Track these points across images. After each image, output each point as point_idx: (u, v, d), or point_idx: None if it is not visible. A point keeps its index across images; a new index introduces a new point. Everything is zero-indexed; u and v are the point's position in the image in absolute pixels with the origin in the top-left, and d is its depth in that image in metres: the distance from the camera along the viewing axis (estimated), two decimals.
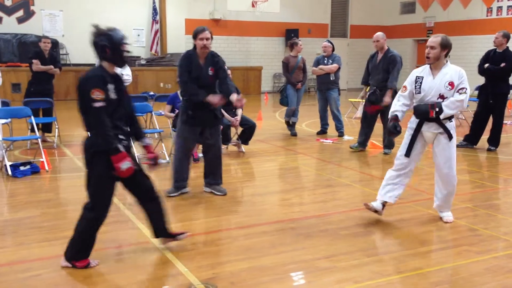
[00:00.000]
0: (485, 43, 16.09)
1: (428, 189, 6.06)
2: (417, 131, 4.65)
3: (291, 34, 19.43)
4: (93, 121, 3.58)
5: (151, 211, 4.03)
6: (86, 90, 3.52)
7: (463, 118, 11.74)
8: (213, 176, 5.75)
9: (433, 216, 5.00)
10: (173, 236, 4.13)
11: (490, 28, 17.29)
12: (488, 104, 8.35)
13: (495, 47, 8.26)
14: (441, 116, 4.50)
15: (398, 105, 4.75)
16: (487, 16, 18.51)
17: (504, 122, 8.78)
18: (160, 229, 4.08)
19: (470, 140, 8.68)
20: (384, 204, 4.84)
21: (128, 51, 3.75)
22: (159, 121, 8.62)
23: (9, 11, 16.53)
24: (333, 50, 9.85)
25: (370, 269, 3.81)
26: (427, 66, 4.67)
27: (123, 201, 5.51)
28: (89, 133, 3.75)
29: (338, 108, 9.80)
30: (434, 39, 4.57)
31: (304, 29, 20.74)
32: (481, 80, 8.62)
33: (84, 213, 3.76)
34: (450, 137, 4.60)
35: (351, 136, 9.43)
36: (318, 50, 20.22)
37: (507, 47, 8.20)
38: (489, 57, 8.28)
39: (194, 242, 4.28)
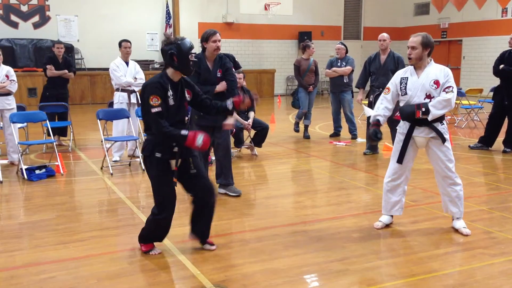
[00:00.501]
0: (501, 43, 15.94)
1: None
2: (408, 136, 4.47)
3: (304, 37, 19.39)
4: (152, 125, 3.77)
5: (200, 214, 4.10)
6: (145, 95, 3.73)
7: (478, 119, 11.63)
8: (224, 176, 5.79)
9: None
10: (203, 241, 4.19)
11: (505, 29, 17.11)
12: (503, 105, 8.26)
13: (510, 48, 8.17)
14: (429, 117, 4.32)
15: (381, 109, 4.57)
16: (502, 16, 18.31)
17: None
18: (198, 230, 4.18)
19: (485, 142, 8.59)
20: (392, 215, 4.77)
21: (195, 60, 3.88)
22: None
23: (25, 17, 16.76)
24: (346, 52, 9.83)
25: (383, 272, 3.79)
26: (410, 67, 4.51)
27: (136, 204, 5.56)
28: (146, 134, 3.96)
29: (352, 111, 9.77)
30: (414, 39, 4.37)
31: (317, 32, 20.72)
32: (497, 81, 8.53)
33: (151, 211, 3.98)
34: (443, 140, 4.42)
35: (365, 138, 9.38)
36: (332, 53, 20.15)
37: None
38: (504, 58, 8.20)
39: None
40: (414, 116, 4.36)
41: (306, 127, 9.97)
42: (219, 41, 5.44)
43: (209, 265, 3.87)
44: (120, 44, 7.86)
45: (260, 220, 5.02)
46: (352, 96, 9.92)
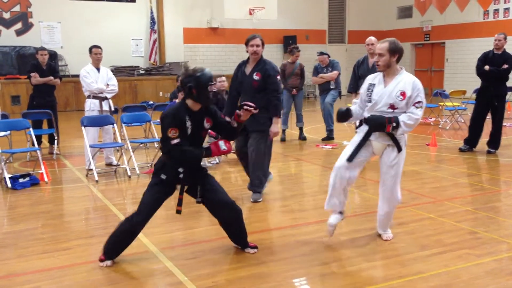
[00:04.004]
0: (483, 46, 16.08)
1: (429, 193, 6.05)
2: (365, 139, 4.27)
3: (289, 41, 19.48)
4: (173, 154, 3.85)
5: (229, 229, 4.24)
6: (164, 127, 3.82)
7: (463, 121, 11.73)
8: (251, 183, 5.92)
9: (434, 220, 5.00)
10: (244, 247, 4.26)
11: (487, 31, 17.33)
12: (488, 106, 8.33)
13: (492, 49, 8.27)
14: (398, 132, 4.17)
15: (354, 107, 4.47)
16: (484, 19, 18.56)
17: (504, 124, 8.76)
18: (236, 241, 4.30)
19: (470, 143, 8.64)
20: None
21: (214, 91, 3.92)
22: (158, 130, 8.60)
23: (8, 24, 16.60)
24: (329, 57, 9.95)
25: (370, 274, 3.80)
26: (380, 74, 4.29)
27: (122, 211, 5.52)
28: (162, 154, 4.01)
29: (333, 104, 9.85)
30: (381, 45, 4.16)
31: (302, 36, 20.80)
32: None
33: (126, 218, 4.01)
34: (399, 149, 4.25)
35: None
36: (317, 56, 20.24)
37: (505, 49, 8.24)
38: (488, 58, 8.27)
39: (193, 251, 4.28)
40: (384, 129, 4.15)
41: (300, 129, 10.17)
42: (257, 45, 5.65)
43: (196, 272, 3.84)
44: (90, 50, 7.71)
45: (247, 225, 4.97)
46: (340, 97, 10.08)
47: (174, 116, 3.81)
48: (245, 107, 4.07)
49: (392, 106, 4.16)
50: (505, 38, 8.14)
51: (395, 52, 4.14)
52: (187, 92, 3.84)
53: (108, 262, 3.95)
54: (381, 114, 4.18)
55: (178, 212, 4.03)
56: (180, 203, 4.02)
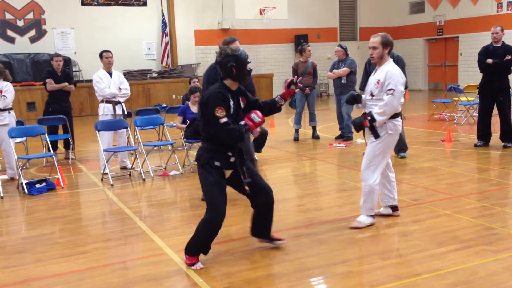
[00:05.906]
0: None
1: (445, 189, 6.00)
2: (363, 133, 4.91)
3: (300, 40, 19.43)
4: (221, 134, 3.82)
5: (263, 215, 4.22)
6: (210, 107, 3.80)
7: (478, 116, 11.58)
8: None
9: (450, 216, 4.95)
10: (270, 240, 4.32)
11: (501, 24, 16.98)
12: (491, 100, 8.24)
13: (491, 43, 8.24)
14: (376, 124, 4.52)
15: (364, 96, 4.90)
16: (497, 11, 18.31)
17: None
18: (259, 232, 4.31)
19: (483, 138, 8.51)
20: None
21: (250, 70, 3.98)
22: (171, 133, 8.67)
23: (22, 32, 16.81)
24: (346, 54, 9.87)
25: (386, 272, 3.78)
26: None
27: (138, 214, 5.55)
28: (202, 143, 4.03)
29: (349, 113, 9.75)
30: (374, 39, 4.59)
31: (314, 34, 20.74)
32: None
33: (204, 216, 3.96)
34: (375, 136, 4.58)
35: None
36: (329, 54, 20.18)
37: (503, 41, 8.23)
38: (489, 51, 8.21)
39: (208, 252, 4.28)
40: (363, 126, 4.59)
41: (314, 128, 10.18)
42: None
43: (211, 273, 3.86)
44: (101, 55, 7.78)
45: None
46: None
47: (220, 95, 3.83)
48: (298, 82, 4.20)
49: (371, 94, 4.61)
50: (502, 30, 8.17)
51: (387, 44, 4.58)
52: (228, 71, 3.86)
53: (200, 265, 3.94)
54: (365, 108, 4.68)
55: (249, 191, 4.03)
56: (245, 183, 4.00)
